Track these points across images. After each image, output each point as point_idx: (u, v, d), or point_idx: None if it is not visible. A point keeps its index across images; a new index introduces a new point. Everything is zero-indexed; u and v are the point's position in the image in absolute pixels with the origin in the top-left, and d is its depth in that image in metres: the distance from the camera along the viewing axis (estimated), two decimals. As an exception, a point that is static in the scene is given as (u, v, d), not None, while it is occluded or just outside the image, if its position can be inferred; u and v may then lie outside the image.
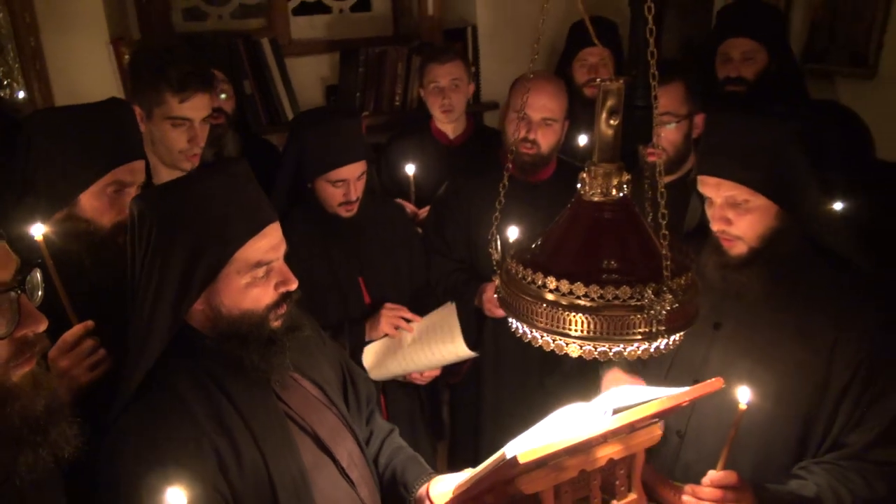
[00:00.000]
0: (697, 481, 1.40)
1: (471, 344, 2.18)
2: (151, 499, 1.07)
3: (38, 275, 0.96)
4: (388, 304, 2.17)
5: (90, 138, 1.53)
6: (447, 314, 2.18)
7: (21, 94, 2.65)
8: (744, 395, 1.32)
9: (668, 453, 1.61)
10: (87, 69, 2.61)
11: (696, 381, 1.34)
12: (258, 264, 1.24)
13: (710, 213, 1.49)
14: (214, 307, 1.24)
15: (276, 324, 1.28)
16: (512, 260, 1.11)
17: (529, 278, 1.06)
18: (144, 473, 1.11)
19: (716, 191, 1.45)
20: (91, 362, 1.35)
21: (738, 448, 1.44)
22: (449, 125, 2.80)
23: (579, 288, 1.01)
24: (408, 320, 2.17)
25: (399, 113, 3.30)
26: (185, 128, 1.90)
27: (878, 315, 1.44)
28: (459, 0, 3.47)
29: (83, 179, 1.53)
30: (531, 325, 1.06)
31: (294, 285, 1.29)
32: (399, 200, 2.60)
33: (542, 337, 1.06)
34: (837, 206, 2.03)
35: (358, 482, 1.40)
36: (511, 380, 2.50)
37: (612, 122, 1.07)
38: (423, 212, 2.62)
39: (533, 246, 1.15)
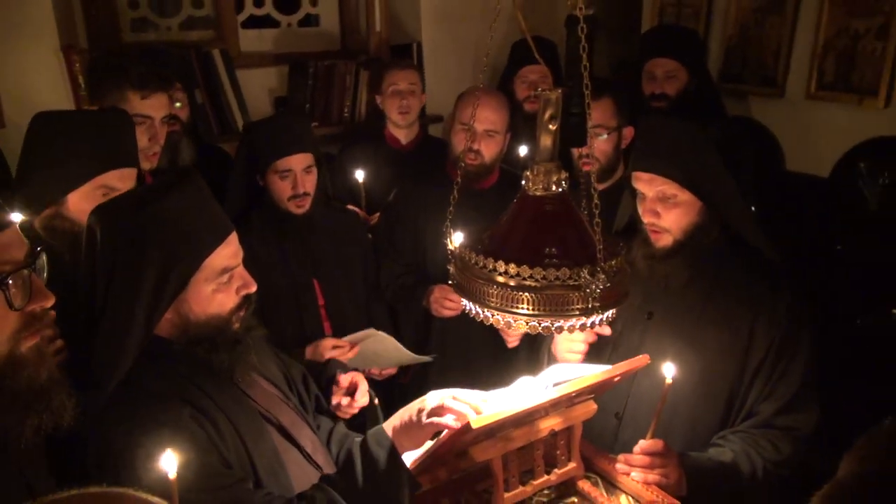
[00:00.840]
0: None
1: (418, 348, 2.30)
2: (147, 465, 1.12)
3: (44, 257, 1.03)
4: (327, 341, 2.19)
5: (87, 140, 1.61)
6: (381, 339, 2.22)
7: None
8: (669, 371, 1.49)
9: (608, 434, 1.76)
10: (37, 76, 2.63)
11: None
12: (224, 271, 1.31)
13: (641, 207, 1.67)
14: (183, 315, 1.30)
15: (237, 325, 1.35)
16: (465, 249, 1.24)
17: (482, 264, 1.19)
18: (138, 443, 1.16)
19: (648, 185, 1.63)
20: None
21: (671, 424, 1.62)
22: (402, 130, 2.93)
23: (525, 270, 1.14)
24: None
25: (348, 124, 3.41)
26: (146, 126, 1.99)
27: (786, 300, 1.65)
28: (405, 19, 3.63)
29: (74, 179, 1.59)
30: (484, 306, 1.19)
31: (254, 288, 1.37)
32: (350, 207, 2.71)
33: (493, 315, 1.19)
34: (752, 208, 2.27)
35: (324, 465, 1.49)
36: (456, 378, 2.61)
37: (551, 126, 1.22)
38: (374, 218, 2.74)
39: (483, 236, 1.29)
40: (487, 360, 2.53)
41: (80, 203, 1.60)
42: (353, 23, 3.72)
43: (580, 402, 1.47)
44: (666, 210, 1.63)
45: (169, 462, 0.99)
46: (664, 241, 1.65)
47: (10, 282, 0.93)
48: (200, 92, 3.04)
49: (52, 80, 2.65)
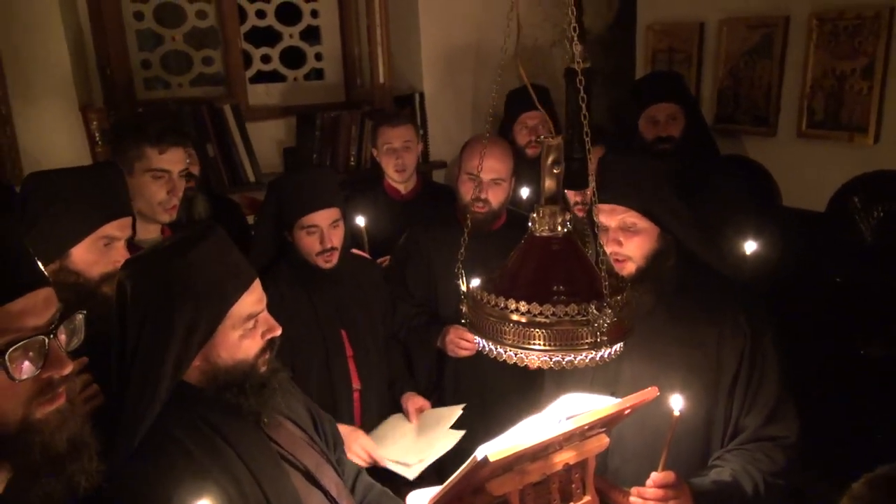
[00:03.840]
0: (625, 483, 1.61)
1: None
2: None
3: (80, 319, 1.02)
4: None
5: (84, 196, 1.67)
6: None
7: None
8: (677, 402, 1.53)
9: (597, 463, 1.78)
10: (56, 136, 2.74)
11: (613, 394, 1.55)
12: (249, 317, 1.35)
13: (604, 238, 1.74)
14: (212, 361, 1.34)
15: (263, 369, 1.40)
16: (478, 289, 1.30)
17: (494, 302, 1.25)
18: (153, 491, 1.21)
19: (610, 216, 1.72)
20: (85, 396, 1.45)
21: (655, 446, 1.63)
22: (401, 184, 3.02)
23: (535, 307, 1.20)
24: None
25: (354, 172, 3.51)
26: (164, 180, 2.07)
27: (744, 311, 1.73)
28: (407, 70, 3.76)
29: (76, 233, 1.65)
30: (498, 343, 1.24)
31: (278, 331, 1.42)
32: (354, 250, 2.76)
33: (505, 352, 1.25)
34: (751, 244, 2.35)
35: None
36: (471, 416, 2.64)
37: (554, 171, 1.29)
38: (383, 261, 2.79)
39: (494, 276, 1.35)
40: (502, 398, 2.53)
41: (84, 255, 1.66)
42: (356, 75, 3.87)
43: (593, 436, 1.51)
44: (627, 238, 1.71)
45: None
46: (628, 269, 1.72)
47: (11, 354, 0.90)
48: (212, 146, 3.15)
49: (71, 139, 2.76)
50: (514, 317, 1.21)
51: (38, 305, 0.95)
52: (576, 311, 1.19)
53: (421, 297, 2.61)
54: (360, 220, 2.79)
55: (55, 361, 0.96)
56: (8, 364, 0.89)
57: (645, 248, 1.71)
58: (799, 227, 2.86)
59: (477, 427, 2.60)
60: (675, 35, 3.52)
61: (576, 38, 1.19)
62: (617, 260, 1.73)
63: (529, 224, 1.32)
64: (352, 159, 3.53)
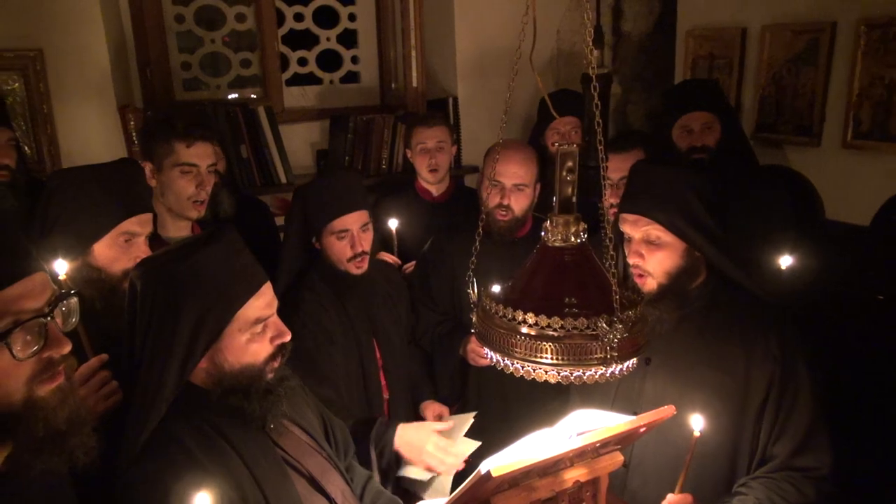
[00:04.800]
0: None
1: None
2: None
3: (75, 301, 1.07)
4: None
5: (104, 193, 1.69)
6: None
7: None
8: (697, 423, 1.47)
9: (616, 483, 1.73)
10: (94, 134, 2.81)
11: (635, 413, 1.50)
12: (257, 321, 1.35)
13: (627, 249, 1.69)
14: (218, 364, 1.34)
15: (270, 375, 1.39)
16: (488, 299, 1.27)
17: (501, 313, 1.22)
18: (153, 489, 1.21)
19: (634, 227, 1.66)
20: (105, 392, 1.47)
21: (675, 468, 1.58)
22: (433, 185, 3.00)
23: (543, 320, 1.16)
24: None
25: (386, 175, 3.51)
26: (192, 174, 2.10)
27: (777, 336, 1.64)
28: (441, 74, 3.75)
29: (97, 230, 1.68)
30: (507, 355, 1.21)
31: (288, 337, 1.41)
32: (382, 254, 2.75)
33: (513, 364, 1.21)
34: (786, 259, 2.25)
35: None
36: (493, 426, 2.60)
37: (568, 179, 1.25)
38: (409, 266, 2.78)
39: (505, 287, 1.32)
40: (524, 407, 2.50)
41: (106, 251, 1.69)
42: (391, 79, 3.87)
43: (606, 453, 1.46)
44: (650, 252, 1.65)
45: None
46: (648, 285, 1.66)
47: (14, 335, 0.95)
48: (246, 147, 3.19)
49: (109, 138, 2.83)
50: (524, 329, 1.18)
51: (36, 289, 1.01)
52: (585, 325, 1.15)
53: (445, 305, 2.59)
54: (393, 223, 2.78)
55: (54, 341, 1.01)
56: (11, 345, 0.95)
57: (667, 264, 1.65)
58: (843, 242, 2.74)
59: (498, 436, 2.56)
60: (717, 41, 3.42)
61: (592, 44, 1.15)
62: (638, 275, 1.67)
63: (543, 233, 1.28)
64: (383, 162, 3.53)
